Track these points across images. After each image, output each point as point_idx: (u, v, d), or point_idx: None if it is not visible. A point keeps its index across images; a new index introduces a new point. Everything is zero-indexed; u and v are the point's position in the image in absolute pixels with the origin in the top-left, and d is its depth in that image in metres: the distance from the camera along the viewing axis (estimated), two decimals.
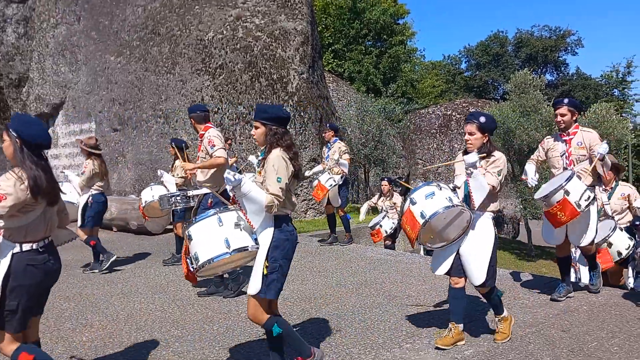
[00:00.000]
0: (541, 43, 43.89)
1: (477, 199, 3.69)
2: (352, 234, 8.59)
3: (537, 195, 4.70)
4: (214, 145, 5.14)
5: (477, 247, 3.75)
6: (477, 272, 3.73)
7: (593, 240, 4.81)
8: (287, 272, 3.32)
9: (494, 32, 46.90)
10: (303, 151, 11.71)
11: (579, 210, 4.39)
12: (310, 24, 12.48)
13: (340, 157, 8.00)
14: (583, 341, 3.90)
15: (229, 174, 3.10)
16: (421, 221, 3.57)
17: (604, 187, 5.69)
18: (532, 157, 5.24)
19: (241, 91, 11.17)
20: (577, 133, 4.86)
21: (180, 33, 11.68)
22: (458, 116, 21.45)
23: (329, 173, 7.94)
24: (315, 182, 8.11)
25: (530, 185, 5.07)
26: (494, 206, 3.83)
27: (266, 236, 3.23)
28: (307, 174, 8.77)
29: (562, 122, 4.86)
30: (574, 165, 4.79)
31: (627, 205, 5.93)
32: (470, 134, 3.83)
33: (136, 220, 9.57)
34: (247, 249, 3.28)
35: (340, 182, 7.98)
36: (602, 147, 4.63)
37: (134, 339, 4.22)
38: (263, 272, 3.19)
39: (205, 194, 5.24)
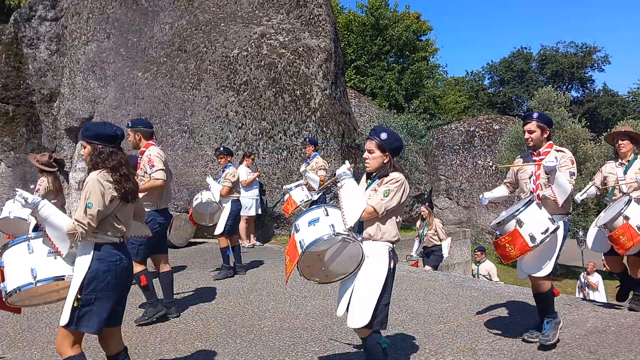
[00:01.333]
0: (567, 60, 43.46)
1: (349, 218, 3.12)
2: None
3: (493, 222, 4.20)
4: (153, 166, 4.92)
5: (365, 284, 3.17)
6: (358, 312, 3.13)
7: (548, 275, 4.13)
8: (112, 303, 3.03)
9: (518, 48, 46.69)
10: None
11: (531, 245, 3.83)
12: (334, 41, 12.62)
13: (316, 173, 7.64)
14: None
15: (20, 196, 2.88)
16: (299, 251, 3.11)
17: (620, 160, 5.22)
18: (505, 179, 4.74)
19: (265, 107, 11.32)
20: (549, 153, 4.23)
21: (206, 50, 11.93)
22: (481, 132, 21.28)
23: (302, 188, 7.57)
24: (287, 196, 7.86)
25: (484, 203, 4.61)
26: (390, 235, 3.23)
27: (82, 266, 2.96)
28: (285, 187, 8.54)
29: (530, 139, 4.28)
30: (540, 190, 4.16)
31: None
32: (369, 151, 3.31)
33: None
34: (64, 278, 2.98)
35: (315, 198, 7.60)
36: (547, 161, 3.94)
37: (158, 351, 4.28)
38: (73, 304, 2.90)
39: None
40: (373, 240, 3.23)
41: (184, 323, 5.05)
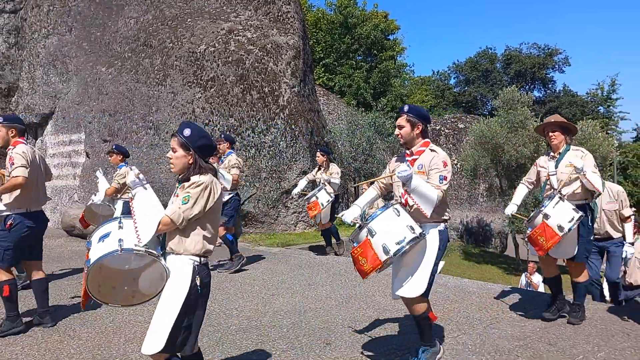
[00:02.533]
0: (530, 60, 44.65)
1: (142, 234, 2.71)
2: (243, 257, 7.43)
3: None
4: (13, 164, 4.68)
5: (161, 303, 2.84)
6: (151, 335, 2.80)
7: (423, 295, 3.55)
8: None
9: (483, 48, 47.70)
10: (294, 164, 11.75)
11: (382, 258, 3.26)
12: (302, 38, 12.61)
13: (229, 172, 7.21)
14: (569, 354, 3.95)
15: None
16: (85, 271, 2.78)
17: (552, 153, 4.79)
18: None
19: (232, 104, 11.22)
20: (423, 153, 3.66)
21: (172, 45, 11.74)
22: (447, 131, 21.67)
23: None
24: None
25: (347, 222, 3.81)
26: (194, 248, 2.84)
27: None
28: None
29: (399, 135, 3.70)
30: (409, 197, 3.56)
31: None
32: (172, 150, 2.91)
33: None
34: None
35: (224, 199, 7.16)
36: (401, 169, 3.42)
37: (122, 351, 4.19)
38: None
39: (7, 216, 4.73)
40: (175, 254, 2.85)
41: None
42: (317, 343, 4.31)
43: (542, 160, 4.92)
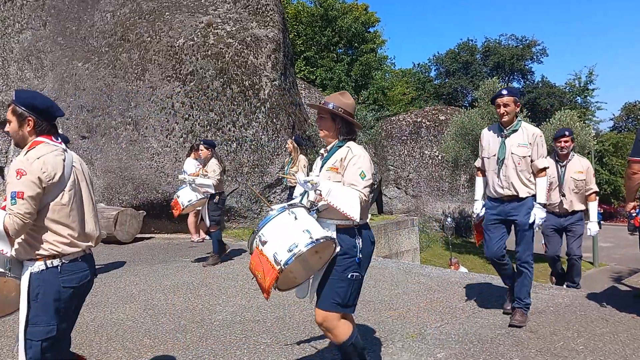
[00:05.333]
0: (508, 52, 45.13)
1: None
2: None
3: None
4: None
5: None
6: None
7: None
8: None
9: (464, 40, 48.07)
10: (275, 158, 11.70)
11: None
12: (282, 31, 12.52)
13: None
14: (550, 341, 4.01)
15: None
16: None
17: (321, 150, 3.27)
18: None
19: (212, 98, 11.12)
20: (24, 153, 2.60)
21: (150, 39, 11.57)
22: (428, 123, 21.78)
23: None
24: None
25: None
26: None
27: None
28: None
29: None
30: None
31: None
32: None
33: (105, 229, 9.40)
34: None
35: None
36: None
37: (104, 350, 4.14)
38: None
39: None
40: None
41: (132, 320, 4.91)
42: (301, 336, 4.31)
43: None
